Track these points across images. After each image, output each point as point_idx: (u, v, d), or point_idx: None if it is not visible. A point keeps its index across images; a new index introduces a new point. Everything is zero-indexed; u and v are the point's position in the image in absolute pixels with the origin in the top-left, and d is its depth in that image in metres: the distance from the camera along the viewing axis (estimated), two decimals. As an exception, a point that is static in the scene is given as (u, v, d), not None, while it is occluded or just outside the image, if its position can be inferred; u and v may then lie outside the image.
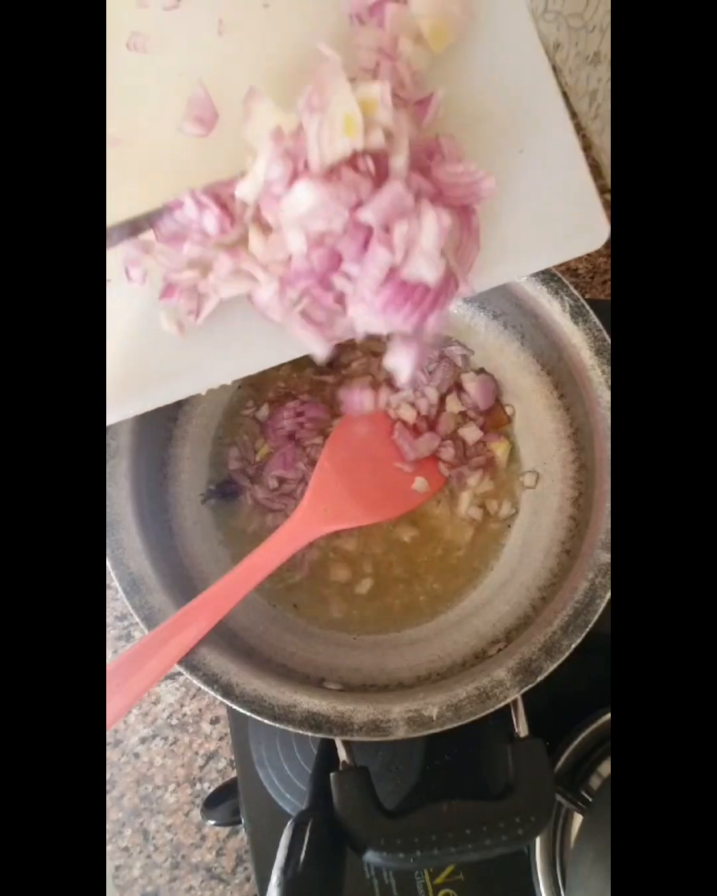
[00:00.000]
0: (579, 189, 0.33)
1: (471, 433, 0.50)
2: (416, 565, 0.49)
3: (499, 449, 0.50)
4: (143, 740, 0.58)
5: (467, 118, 0.32)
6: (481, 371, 0.51)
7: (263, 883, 0.47)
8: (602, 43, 0.63)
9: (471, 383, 0.50)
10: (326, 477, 0.46)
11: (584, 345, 0.42)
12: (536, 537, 0.48)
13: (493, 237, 0.33)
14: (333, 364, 0.52)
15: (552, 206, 0.33)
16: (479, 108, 0.32)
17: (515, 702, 0.38)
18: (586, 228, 0.34)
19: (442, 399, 0.50)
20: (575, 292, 0.42)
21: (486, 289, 0.34)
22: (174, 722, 0.59)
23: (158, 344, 0.34)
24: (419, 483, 0.48)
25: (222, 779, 0.58)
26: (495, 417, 0.51)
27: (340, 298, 0.31)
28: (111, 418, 0.34)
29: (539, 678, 0.38)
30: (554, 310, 0.43)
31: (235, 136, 0.30)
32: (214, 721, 0.59)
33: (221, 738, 0.58)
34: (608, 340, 0.41)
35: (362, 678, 0.44)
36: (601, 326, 0.42)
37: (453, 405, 0.50)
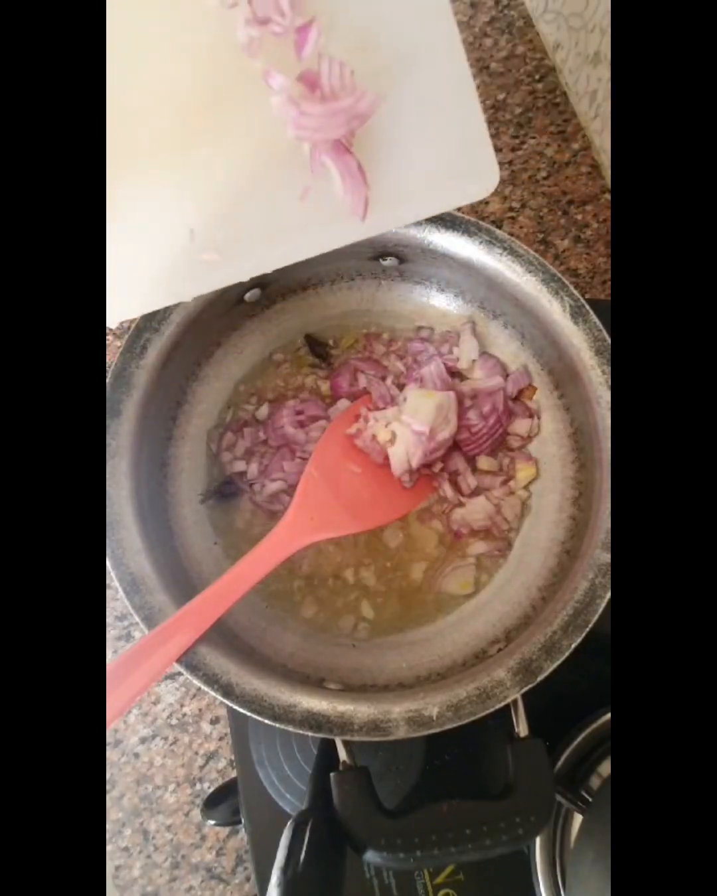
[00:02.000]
0: (471, 131, 0.33)
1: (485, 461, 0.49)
2: (415, 567, 0.49)
3: (522, 472, 0.49)
4: (143, 740, 0.58)
5: (351, 47, 0.31)
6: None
7: (263, 883, 0.47)
8: (602, 43, 0.63)
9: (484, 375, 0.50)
10: (313, 485, 0.45)
11: (584, 345, 0.42)
12: (536, 537, 0.48)
13: (385, 177, 0.33)
14: (327, 359, 0.52)
15: (443, 147, 0.33)
16: (364, 37, 0.31)
17: (515, 702, 0.38)
18: (477, 172, 0.33)
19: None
20: (575, 292, 0.42)
21: (385, 230, 0.34)
22: (174, 722, 0.59)
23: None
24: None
25: (222, 779, 0.58)
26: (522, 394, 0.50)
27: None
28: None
29: (539, 678, 0.38)
30: (554, 310, 0.43)
31: None
32: (214, 721, 0.59)
33: (221, 738, 0.58)
34: (608, 340, 0.42)
35: (361, 678, 0.44)
36: (601, 326, 0.42)
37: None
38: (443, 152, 0.33)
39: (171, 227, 0.33)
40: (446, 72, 0.32)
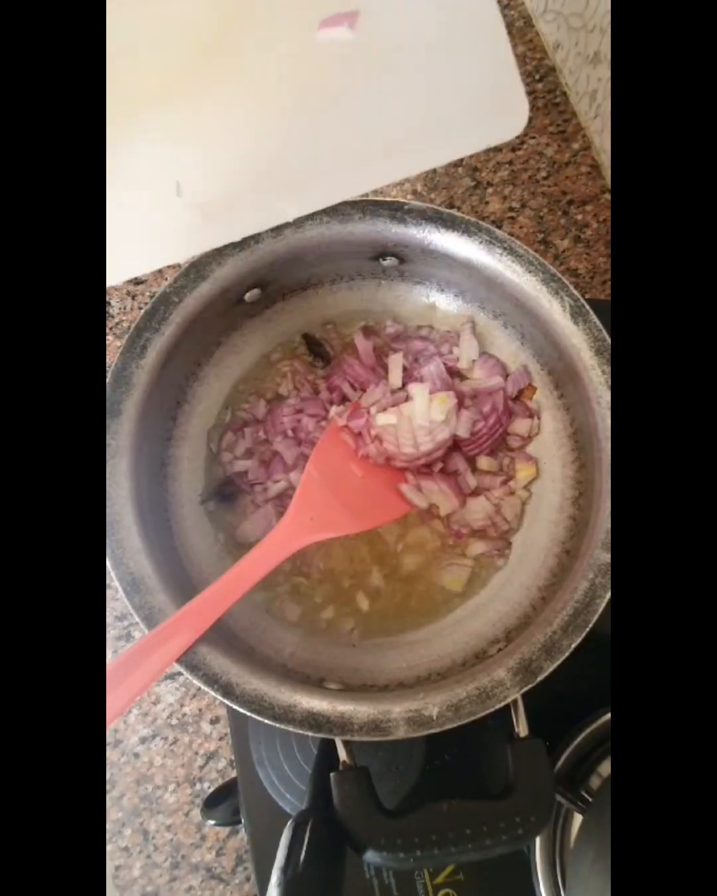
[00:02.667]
0: (501, 69, 0.33)
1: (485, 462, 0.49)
2: (415, 567, 0.49)
3: (522, 472, 0.49)
4: (143, 740, 0.58)
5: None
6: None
7: (263, 883, 0.47)
8: (602, 43, 0.63)
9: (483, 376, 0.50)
10: (312, 485, 0.45)
11: (584, 345, 0.42)
12: (536, 537, 0.48)
13: (417, 116, 0.32)
14: (327, 359, 0.52)
15: (474, 86, 0.33)
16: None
17: (515, 702, 0.38)
18: (508, 110, 0.33)
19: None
20: (575, 292, 0.42)
21: (413, 173, 0.33)
22: (174, 722, 0.59)
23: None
24: (409, 489, 0.48)
25: (222, 779, 0.58)
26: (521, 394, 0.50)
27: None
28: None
29: (539, 678, 0.38)
30: (554, 310, 0.43)
31: None
32: (214, 721, 0.59)
33: (221, 738, 0.58)
34: (608, 340, 0.41)
35: (361, 678, 0.44)
36: (600, 326, 0.42)
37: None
38: (474, 91, 0.32)
39: (161, 181, 0.33)
40: (476, 10, 0.32)
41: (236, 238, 0.35)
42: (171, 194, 0.33)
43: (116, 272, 0.35)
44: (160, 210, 0.33)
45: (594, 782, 0.44)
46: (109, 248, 0.34)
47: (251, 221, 0.34)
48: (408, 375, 0.50)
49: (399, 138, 0.32)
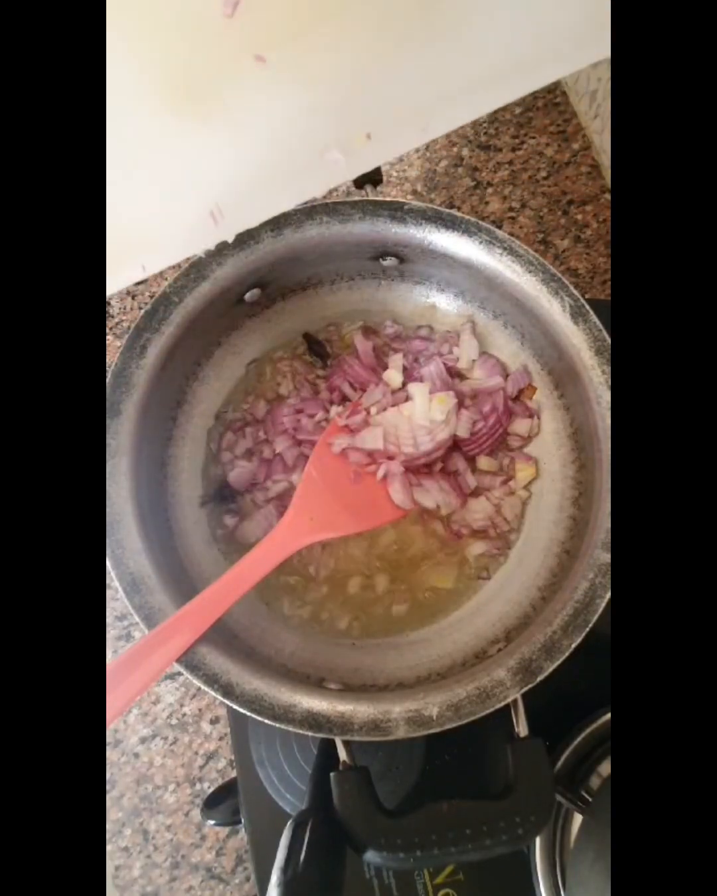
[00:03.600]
0: None
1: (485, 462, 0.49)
2: (415, 567, 0.49)
3: (522, 472, 0.49)
4: (143, 740, 0.58)
5: None
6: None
7: (263, 883, 0.47)
8: (602, 43, 0.63)
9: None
10: (312, 486, 0.45)
11: (584, 345, 0.42)
12: (536, 537, 0.48)
13: (487, 44, 0.29)
14: (327, 359, 0.52)
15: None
16: None
17: (515, 702, 0.38)
18: (588, 34, 0.29)
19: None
20: (575, 292, 0.42)
21: (491, 109, 0.30)
22: (174, 722, 0.59)
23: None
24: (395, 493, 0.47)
25: (222, 779, 0.58)
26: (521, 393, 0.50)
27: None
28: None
29: (539, 678, 0.38)
30: (554, 310, 0.43)
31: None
32: (214, 721, 0.59)
33: (221, 738, 0.58)
34: (608, 340, 0.41)
35: (361, 678, 0.44)
36: (601, 326, 0.42)
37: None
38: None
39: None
40: None
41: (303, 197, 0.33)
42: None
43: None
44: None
45: (594, 782, 0.44)
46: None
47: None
48: (408, 375, 0.50)
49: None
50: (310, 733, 0.37)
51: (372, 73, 0.30)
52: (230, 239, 0.35)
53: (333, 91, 0.30)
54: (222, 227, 0.34)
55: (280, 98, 0.30)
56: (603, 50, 0.30)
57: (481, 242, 0.43)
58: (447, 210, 0.44)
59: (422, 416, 0.46)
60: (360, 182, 0.47)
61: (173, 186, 0.32)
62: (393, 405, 0.48)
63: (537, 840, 0.44)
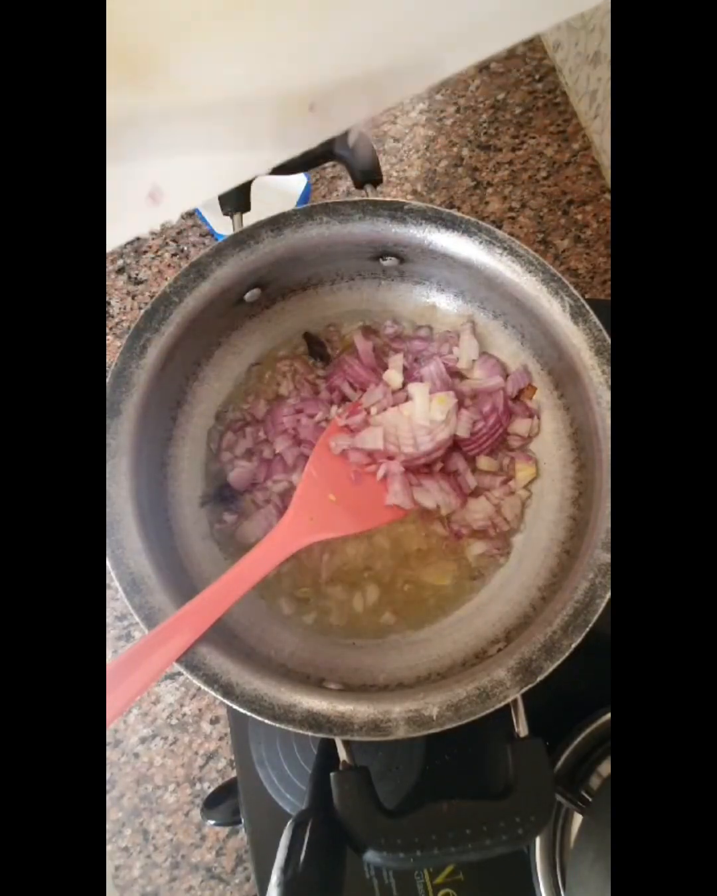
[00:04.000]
0: None
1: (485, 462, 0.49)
2: (415, 567, 0.49)
3: (522, 472, 0.49)
4: (143, 740, 0.58)
5: None
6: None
7: (263, 883, 0.47)
8: (602, 43, 0.63)
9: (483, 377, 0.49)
10: (312, 486, 0.45)
11: (584, 345, 0.42)
12: (536, 537, 0.48)
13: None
14: (327, 359, 0.52)
15: None
16: None
17: (515, 702, 0.38)
18: None
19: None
20: (575, 292, 0.42)
21: (492, 53, 0.29)
22: (174, 722, 0.59)
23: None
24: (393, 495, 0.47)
25: (222, 779, 0.58)
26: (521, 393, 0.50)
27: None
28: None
29: (539, 678, 0.38)
30: (554, 310, 0.43)
31: None
32: (214, 721, 0.59)
33: (221, 738, 0.58)
34: (608, 340, 0.42)
35: (361, 678, 0.44)
36: (601, 326, 0.42)
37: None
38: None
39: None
40: None
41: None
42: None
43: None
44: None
45: (594, 782, 0.44)
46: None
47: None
48: (408, 375, 0.50)
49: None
50: (310, 733, 0.37)
51: (315, 40, 0.29)
52: (174, 219, 0.34)
53: (273, 59, 0.29)
54: (164, 208, 0.33)
55: (226, 65, 0.29)
56: (577, 5, 0.28)
57: (481, 242, 0.43)
58: (447, 210, 0.44)
59: (422, 417, 0.46)
60: (360, 182, 0.48)
61: (108, 166, 0.31)
62: (393, 405, 0.48)
63: (537, 840, 0.44)
